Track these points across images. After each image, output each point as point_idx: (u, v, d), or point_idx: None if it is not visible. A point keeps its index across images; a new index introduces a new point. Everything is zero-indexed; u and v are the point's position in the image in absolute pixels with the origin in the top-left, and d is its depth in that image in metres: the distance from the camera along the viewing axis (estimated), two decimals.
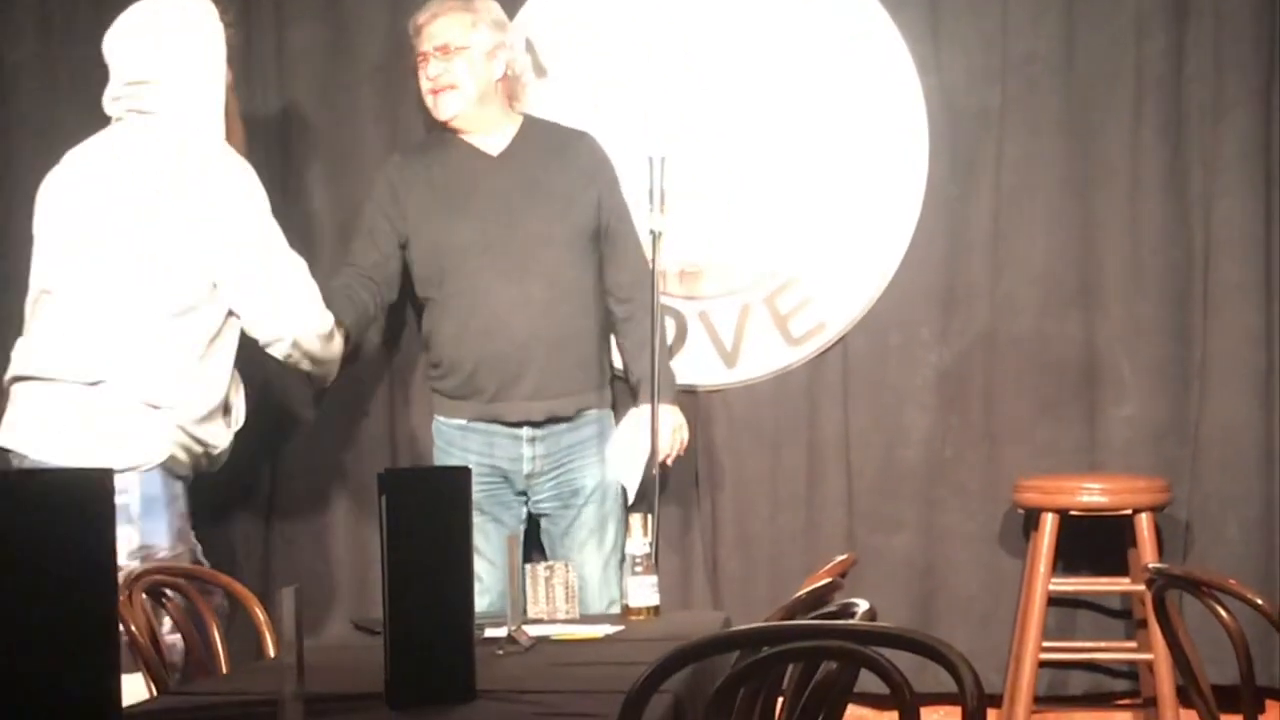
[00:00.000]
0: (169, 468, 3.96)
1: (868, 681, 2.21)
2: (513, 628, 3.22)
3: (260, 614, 3.49)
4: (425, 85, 4.51)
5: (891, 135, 4.85)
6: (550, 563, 3.77)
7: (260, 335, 4.09)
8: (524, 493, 4.51)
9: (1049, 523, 4.62)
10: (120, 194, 3.98)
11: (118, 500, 3.78)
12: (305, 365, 4.21)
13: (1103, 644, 4.83)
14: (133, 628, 3.20)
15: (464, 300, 4.44)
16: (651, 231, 4.41)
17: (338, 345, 4.29)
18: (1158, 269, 4.82)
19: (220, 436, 4.09)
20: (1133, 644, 4.77)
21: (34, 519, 1.99)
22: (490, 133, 4.52)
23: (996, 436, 4.87)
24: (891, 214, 4.86)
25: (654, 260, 4.39)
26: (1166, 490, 4.66)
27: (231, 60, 4.15)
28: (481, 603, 4.07)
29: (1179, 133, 4.80)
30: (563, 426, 4.47)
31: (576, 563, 4.06)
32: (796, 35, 4.86)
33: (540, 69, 4.87)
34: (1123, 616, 4.87)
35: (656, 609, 3.73)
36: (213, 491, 4.39)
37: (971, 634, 4.77)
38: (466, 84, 4.46)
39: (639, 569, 3.71)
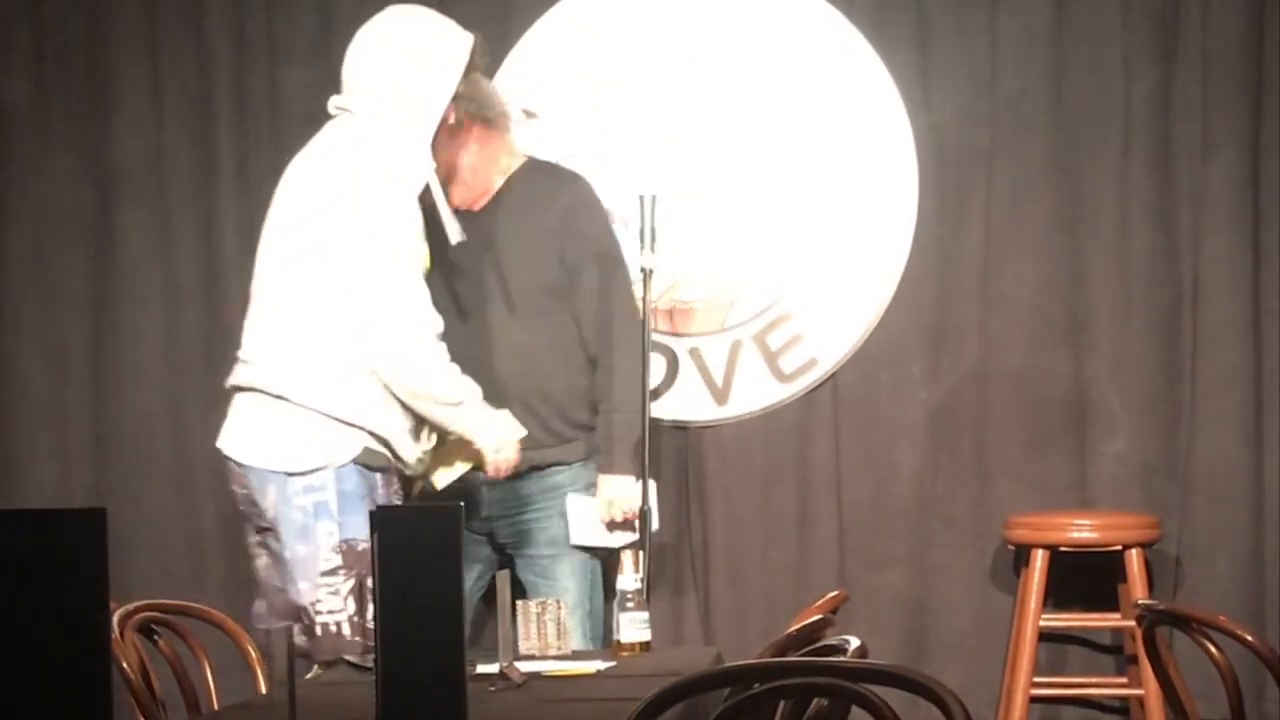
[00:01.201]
0: (365, 462, 3.96)
1: (859, 718, 2.22)
2: (504, 664, 3.23)
3: (252, 650, 3.49)
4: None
5: (882, 174, 4.87)
6: (542, 599, 3.77)
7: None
8: (490, 533, 4.46)
9: (1039, 559, 4.63)
10: (307, 201, 4.01)
11: (317, 497, 3.89)
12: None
13: (1093, 680, 4.84)
14: (124, 665, 3.20)
15: None
16: (642, 269, 4.37)
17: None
18: (1146, 306, 4.84)
19: (409, 451, 4.04)
20: (1123, 680, 4.77)
21: (26, 558, 1.99)
22: (488, 189, 4.39)
23: (987, 473, 4.88)
24: (882, 251, 4.88)
25: (645, 298, 4.36)
26: (1156, 526, 4.68)
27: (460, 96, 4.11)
28: None
29: (1167, 171, 4.82)
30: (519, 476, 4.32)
31: None
32: (786, 78, 4.88)
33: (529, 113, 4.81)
34: (1113, 652, 4.88)
35: (648, 644, 3.73)
36: None
37: (962, 670, 4.77)
38: (458, 172, 4.27)
39: (630, 604, 3.71)
